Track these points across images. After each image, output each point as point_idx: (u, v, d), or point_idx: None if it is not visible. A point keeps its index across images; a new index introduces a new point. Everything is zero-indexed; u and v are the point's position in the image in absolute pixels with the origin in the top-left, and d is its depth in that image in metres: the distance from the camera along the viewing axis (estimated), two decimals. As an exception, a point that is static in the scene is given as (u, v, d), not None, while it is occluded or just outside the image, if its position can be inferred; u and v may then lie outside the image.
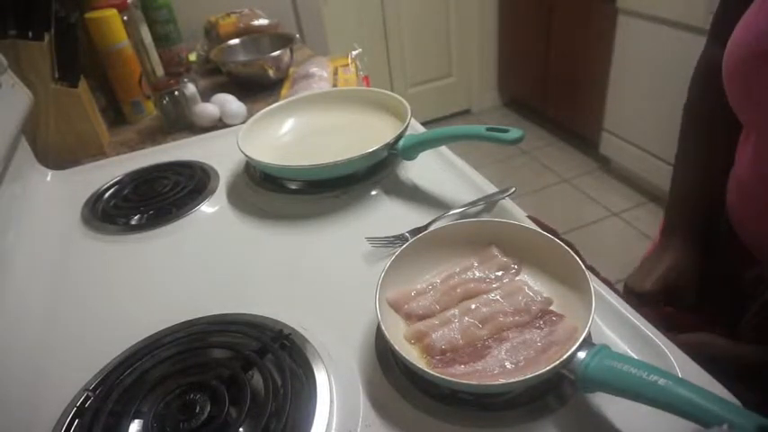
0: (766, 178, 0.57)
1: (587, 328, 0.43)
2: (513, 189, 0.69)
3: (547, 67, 2.69)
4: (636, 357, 0.46)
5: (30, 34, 0.91)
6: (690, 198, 0.72)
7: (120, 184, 0.85)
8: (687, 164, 0.73)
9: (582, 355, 0.41)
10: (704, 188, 0.71)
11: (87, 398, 0.48)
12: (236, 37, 1.33)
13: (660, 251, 0.73)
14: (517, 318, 0.49)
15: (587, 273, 0.48)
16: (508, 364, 0.45)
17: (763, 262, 0.61)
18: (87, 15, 1.05)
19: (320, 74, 1.12)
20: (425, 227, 0.63)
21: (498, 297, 0.51)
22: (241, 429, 0.43)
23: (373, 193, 0.74)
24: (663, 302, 0.69)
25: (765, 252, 0.61)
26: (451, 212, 0.65)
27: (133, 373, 0.49)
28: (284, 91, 1.16)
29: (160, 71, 1.20)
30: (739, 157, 0.63)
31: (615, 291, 0.57)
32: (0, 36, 0.88)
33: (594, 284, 0.47)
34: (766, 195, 0.57)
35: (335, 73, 1.18)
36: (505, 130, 0.64)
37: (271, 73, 1.21)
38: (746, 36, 0.53)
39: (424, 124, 0.89)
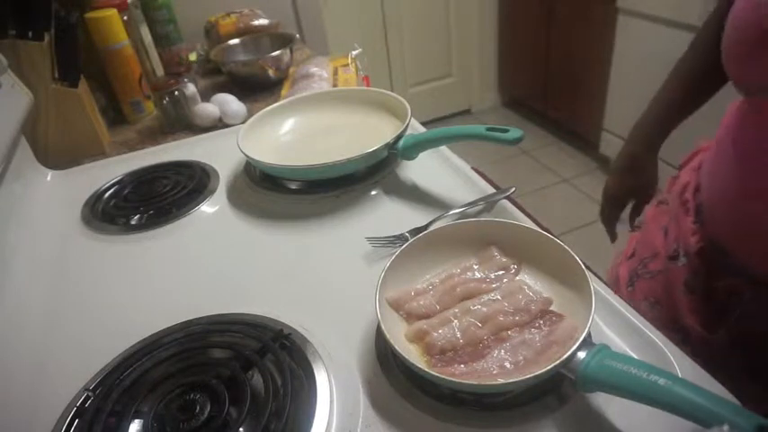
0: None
1: (587, 328, 0.43)
2: (513, 189, 0.69)
3: (547, 67, 2.69)
4: (636, 357, 0.46)
5: (30, 34, 0.91)
6: (659, 118, 0.80)
7: (120, 183, 0.85)
8: (671, 85, 0.79)
9: (582, 354, 0.41)
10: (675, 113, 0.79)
11: (87, 398, 0.48)
12: (237, 37, 1.33)
13: (629, 162, 0.84)
14: (517, 318, 0.49)
15: (587, 273, 0.48)
16: (508, 364, 0.45)
17: (738, 272, 0.61)
18: (87, 15, 1.05)
19: (320, 74, 1.12)
20: (425, 227, 0.63)
21: (498, 297, 0.51)
22: (241, 429, 0.43)
23: (373, 193, 0.74)
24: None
25: (745, 250, 0.60)
26: (451, 212, 0.65)
27: (133, 373, 0.49)
28: (284, 91, 1.16)
29: (160, 71, 1.20)
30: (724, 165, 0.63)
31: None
32: (0, 36, 0.88)
33: (594, 284, 0.47)
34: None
35: (335, 73, 1.18)
36: (505, 130, 0.64)
37: (271, 73, 1.21)
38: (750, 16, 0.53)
39: (424, 124, 0.89)
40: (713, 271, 0.63)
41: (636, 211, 0.89)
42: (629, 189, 0.86)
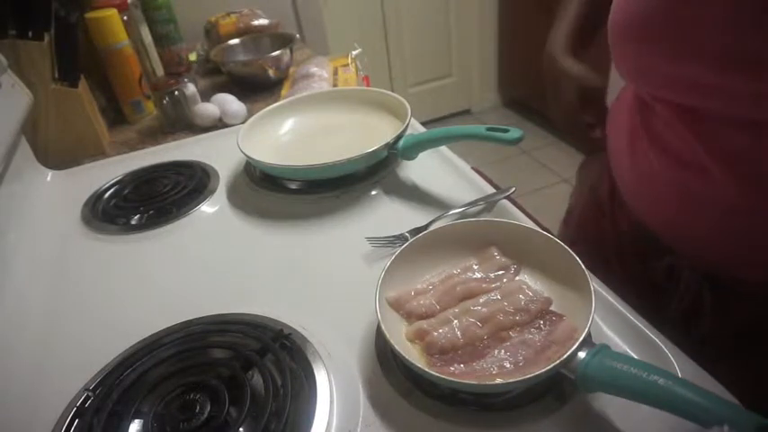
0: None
1: (587, 328, 0.43)
2: (513, 189, 0.69)
3: (547, 68, 2.68)
4: (636, 357, 0.46)
5: (30, 34, 0.91)
6: None
7: (121, 183, 0.85)
8: None
9: (582, 354, 0.41)
10: None
11: (87, 398, 0.48)
12: (237, 37, 1.33)
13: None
14: (517, 317, 0.49)
15: (587, 273, 0.48)
16: (508, 364, 0.45)
17: (673, 252, 0.60)
18: (87, 15, 1.05)
19: (320, 74, 1.12)
20: (425, 227, 0.63)
21: (498, 297, 0.51)
22: (241, 429, 0.43)
23: (373, 193, 0.74)
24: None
25: (671, 237, 0.60)
26: (451, 212, 0.65)
27: (133, 372, 0.49)
28: (284, 91, 1.16)
29: (160, 71, 1.20)
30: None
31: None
32: (0, 36, 0.88)
33: (594, 284, 0.47)
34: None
35: (335, 73, 1.18)
36: (505, 130, 0.64)
37: (271, 73, 1.21)
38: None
39: (424, 124, 0.89)
40: (649, 254, 0.63)
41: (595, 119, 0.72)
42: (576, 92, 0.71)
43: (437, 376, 0.43)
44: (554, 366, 0.40)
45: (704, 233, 0.55)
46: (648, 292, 0.62)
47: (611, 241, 0.70)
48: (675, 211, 0.57)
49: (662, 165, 0.56)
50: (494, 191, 0.70)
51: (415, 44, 2.84)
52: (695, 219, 0.55)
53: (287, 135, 0.88)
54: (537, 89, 2.79)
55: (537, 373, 0.40)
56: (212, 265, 0.67)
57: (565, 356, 0.41)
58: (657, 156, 0.57)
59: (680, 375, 0.43)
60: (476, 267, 0.55)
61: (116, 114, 1.15)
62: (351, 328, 0.53)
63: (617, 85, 0.67)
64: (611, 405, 0.43)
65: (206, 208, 0.77)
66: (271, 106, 0.89)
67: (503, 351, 0.47)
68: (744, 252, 0.54)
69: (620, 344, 0.48)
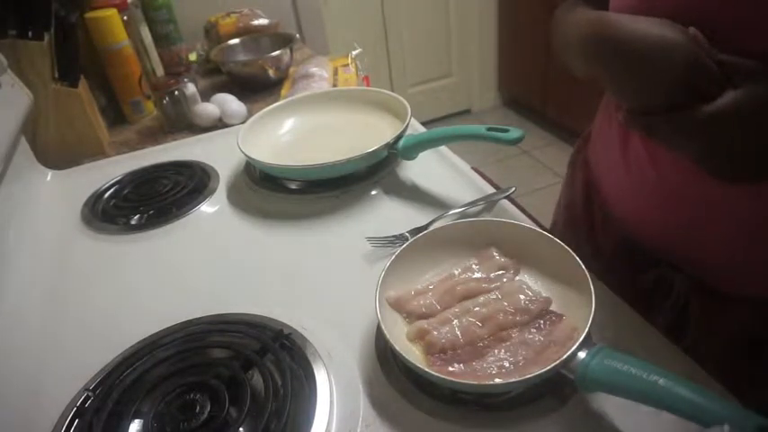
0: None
1: (587, 328, 0.43)
2: (513, 189, 0.69)
3: (547, 67, 2.68)
4: (636, 357, 0.46)
5: (30, 34, 0.91)
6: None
7: (120, 183, 0.85)
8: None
9: (582, 354, 0.41)
10: None
11: (87, 398, 0.48)
12: (236, 37, 1.33)
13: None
14: (517, 317, 0.49)
15: (587, 272, 0.48)
16: (508, 364, 0.45)
17: (661, 264, 0.59)
18: (87, 15, 1.05)
19: (320, 74, 1.12)
20: (425, 227, 0.63)
21: (498, 296, 0.51)
22: (241, 429, 0.43)
23: (373, 193, 0.74)
24: None
25: (660, 243, 0.58)
26: (451, 212, 0.65)
27: (133, 372, 0.49)
28: (284, 91, 1.16)
29: (160, 71, 1.20)
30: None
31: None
32: (0, 36, 0.88)
33: (594, 284, 0.47)
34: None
35: (335, 73, 1.18)
36: (505, 130, 0.64)
37: (271, 73, 1.21)
38: None
39: (424, 124, 0.89)
40: (636, 268, 0.62)
41: None
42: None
43: (437, 376, 0.43)
44: (554, 366, 0.40)
45: (703, 240, 0.55)
46: (634, 307, 0.62)
47: (593, 258, 0.69)
48: (674, 219, 0.57)
49: (660, 171, 0.56)
50: (494, 191, 0.70)
51: (415, 44, 2.84)
52: (694, 226, 0.55)
53: (287, 135, 0.88)
54: (537, 89, 2.80)
55: (537, 373, 0.40)
56: (212, 265, 0.67)
57: (565, 356, 0.41)
58: (655, 162, 0.56)
59: (680, 375, 0.43)
60: (476, 267, 0.55)
61: (116, 114, 1.15)
62: (351, 328, 0.53)
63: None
64: (611, 405, 0.43)
65: (206, 208, 0.77)
66: (271, 106, 0.89)
67: (503, 351, 0.47)
68: (746, 261, 0.53)
69: (620, 344, 0.48)
